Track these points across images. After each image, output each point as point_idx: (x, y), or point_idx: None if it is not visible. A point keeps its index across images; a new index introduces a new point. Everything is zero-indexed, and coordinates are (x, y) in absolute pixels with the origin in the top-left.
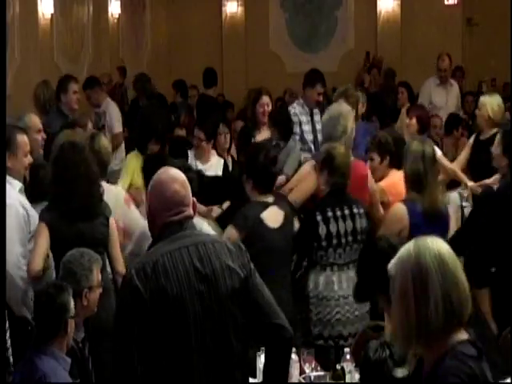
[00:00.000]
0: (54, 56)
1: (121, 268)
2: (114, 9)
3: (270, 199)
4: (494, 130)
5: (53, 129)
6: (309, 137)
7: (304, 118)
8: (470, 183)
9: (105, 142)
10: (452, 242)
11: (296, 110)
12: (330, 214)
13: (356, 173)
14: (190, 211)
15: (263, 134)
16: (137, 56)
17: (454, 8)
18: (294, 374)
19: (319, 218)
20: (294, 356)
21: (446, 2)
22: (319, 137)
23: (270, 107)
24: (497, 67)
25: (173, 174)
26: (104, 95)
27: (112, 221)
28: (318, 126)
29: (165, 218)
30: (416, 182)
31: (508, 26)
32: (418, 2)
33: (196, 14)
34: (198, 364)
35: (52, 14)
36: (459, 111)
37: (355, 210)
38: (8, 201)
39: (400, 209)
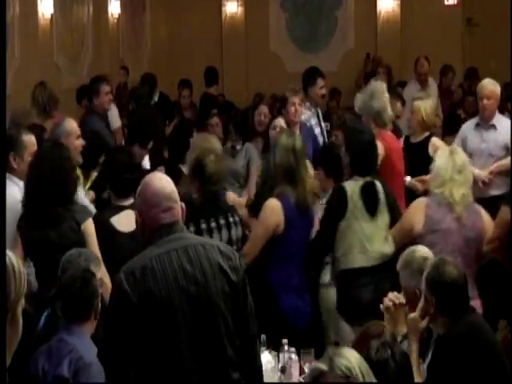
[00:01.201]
0: (54, 56)
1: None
2: (114, 9)
3: (127, 203)
4: (426, 134)
5: (97, 127)
6: (320, 139)
7: (313, 121)
8: (408, 178)
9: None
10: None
11: (305, 115)
12: (203, 225)
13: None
14: (179, 210)
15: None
16: (137, 56)
17: (454, 8)
18: (294, 374)
19: (192, 229)
20: (293, 356)
21: (446, 2)
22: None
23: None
24: (497, 67)
25: (159, 175)
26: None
27: (87, 225)
28: (323, 124)
29: (154, 216)
30: (287, 176)
31: (508, 26)
32: (418, 2)
33: (196, 14)
34: (190, 366)
35: (52, 14)
36: (436, 110)
37: (231, 219)
38: (13, 205)
39: (274, 204)
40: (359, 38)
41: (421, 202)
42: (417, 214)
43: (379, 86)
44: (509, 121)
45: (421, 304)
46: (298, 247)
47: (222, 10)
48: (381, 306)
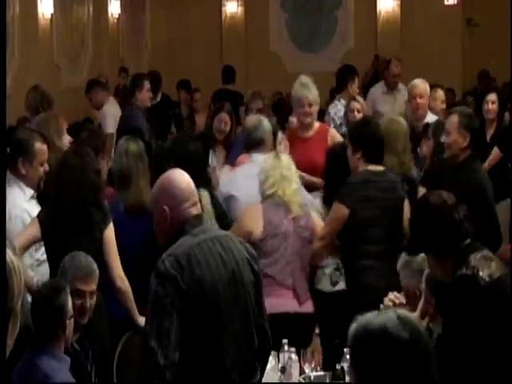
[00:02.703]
0: (54, 56)
1: (118, 280)
2: (114, 9)
3: None
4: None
5: (140, 124)
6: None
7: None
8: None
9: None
10: None
11: (342, 112)
12: None
13: None
14: (200, 206)
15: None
16: (137, 56)
17: (454, 8)
18: (294, 374)
19: None
20: (293, 356)
21: (446, 2)
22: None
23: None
24: (497, 67)
25: (179, 171)
26: (105, 96)
27: (107, 232)
28: None
29: (183, 211)
30: (119, 180)
31: (508, 26)
32: (418, 2)
33: (196, 14)
34: (228, 352)
35: (52, 14)
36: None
37: None
38: (15, 212)
39: None
40: (359, 38)
41: (257, 207)
42: (254, 219)
43: None
44: (434, 117)
45: (421, 304)
46: (129, 251)
47: (222, 10)
48: (381, 305)
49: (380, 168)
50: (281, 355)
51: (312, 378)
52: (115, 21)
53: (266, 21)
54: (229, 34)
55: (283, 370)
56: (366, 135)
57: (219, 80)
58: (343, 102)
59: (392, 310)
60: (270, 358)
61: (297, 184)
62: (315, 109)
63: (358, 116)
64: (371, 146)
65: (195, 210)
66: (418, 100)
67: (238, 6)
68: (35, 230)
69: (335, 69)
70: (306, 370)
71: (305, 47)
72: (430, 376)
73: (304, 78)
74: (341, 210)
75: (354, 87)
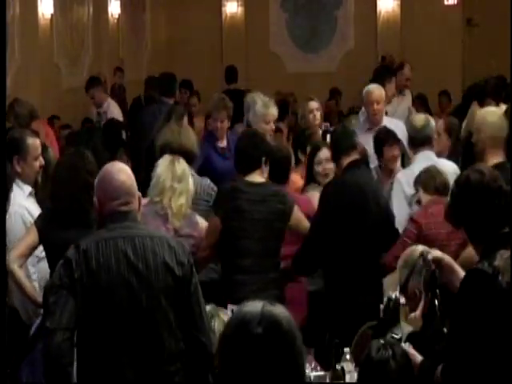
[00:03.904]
0: (54, 56)
1: None
2: (114, 9)
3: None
4: None
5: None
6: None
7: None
8: None
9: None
10: None
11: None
12: None
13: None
14: (136, 203)
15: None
16: (137, 56)
17: (453, 8)
18: None
19: None
20: None
21: (445, 3)
22: None
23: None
24: (497, 67)
25: (119, 166)
26: (105, 95)
27: None
28: None
29: (112, 207)
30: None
31: (508, 26)
32: (418, 2)
33: (196, 14)
34: (123, 354)
35: (52, 14)
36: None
37: None
38: (14, 208)
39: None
40: (359, 38)
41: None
42: None
43: None
44: (397, 121)
45: (421, 304)
46: None
47: (222, 10)
48: (381, 305)
49: (259, 179)
50: None
51: (312, 377)
52: (115, 21)
53: (266, 21)
54: (229, 34)
55: None
56: (243, 147)
57: (219, 80)
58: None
59: (261, 302)
60: None
61: (187, 197)
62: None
63: (318, 115)
64: (244, 158)
65: (125, 208)
66: (375, 106)
67: (238, 6)
68: (33, 237)
69: (335, 69)
70: (306, 370)
71: (305, 47)
72: (284, 372)
73: (264, 97)
74: (213, 221)
75: (390, 87)
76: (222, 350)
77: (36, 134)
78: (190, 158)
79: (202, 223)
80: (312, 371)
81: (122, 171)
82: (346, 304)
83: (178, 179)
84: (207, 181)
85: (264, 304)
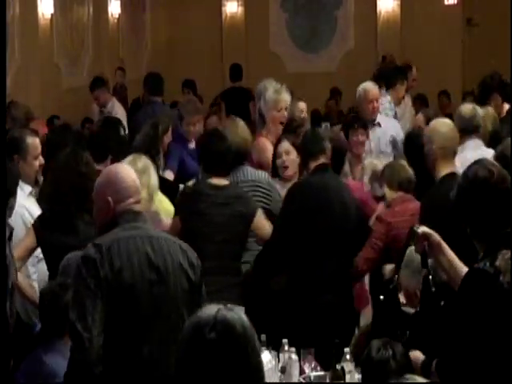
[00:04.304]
0: (54, 56)
1: None
2: (114, 9)
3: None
4: None
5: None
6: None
7: (389, 113)
8: None
9: None
10: None
11: (386, 105)
12: None
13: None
14: (143, 205)
15: None
16: (137, 56)
17: (453, 8)
18: (294, 373)
19: None
20: (294, 356)
21: (445, 2)
22: None
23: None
24: (497, 67)
25: (125, 166)
26: (109, 95)
27: None
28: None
29: (125, 206)
30: None
31: (508, 25)
32: (418, 2)
33: (196, 14)
34: (144, 351)
35: (52, 14)
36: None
37: None
38: (18, 209)
39: None
40: (359, 38)
41: None
42: None
43: None
44: (391, 119)
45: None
46: None
47: (222, 10)
48: (380, 297)
49: (222, 182)
50: (281, 355)
51: (312, 377)
52: (115, 21)
53: (266, 21)
54: (229, 34)
55: (283, 370)
56: (206, 148)
57: (219, 80)
58: (389, 98)
59: (216, 307)
60: (270, 358)
61: (148, 192)
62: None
63: (303, 115)
64: (210, 159)
65: (137, 207)
66: (375, 104)
67: (238, 6)
68: (31, 240)
69: (335, 69)
70: (306, 370)
71: (305, 47)
72: (238, 377)
73: (275, 83)
74: (174, 222)
75: (402, 88)
76: (177, 356)
77: (36, 133)
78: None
79: (167, 221)
80: (312, 371)
81: (130, 171)
82: (310, 304)
83: (139, 174)
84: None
85: (219, 308)
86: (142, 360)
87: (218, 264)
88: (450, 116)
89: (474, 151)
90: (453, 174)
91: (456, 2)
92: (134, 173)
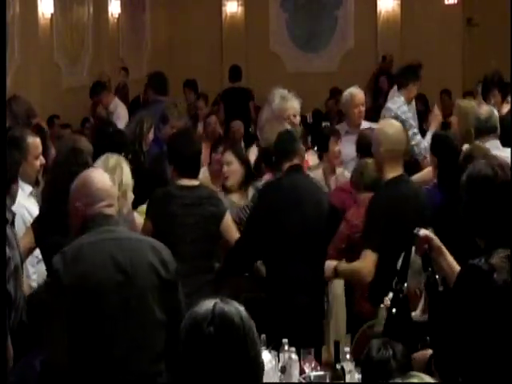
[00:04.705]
0: (54, 56)
1: None
2: (114, 8)
3: None
4: None
5: None
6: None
7: (409, 115)
8: None
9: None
10: None
11: (404, 108)
12: None
13: None
14: (117, 207)
15: None
16: (137, 56)
17: (454, 8)
18: (294, 373)
19: None
20: (294, 356)
21: (445, 2)
22: None
23: None
24: (497, 67)
25: (99, 171)
26: (112, 96)
27: None
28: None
29: (96, 210)
30: None
31: (508, 25)
32: (418, 1)
33: (196, 14)
34: (115, 353)
35: (52, 14)
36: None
37: None
38: (18, 209)
39: None
40: (359, 38)
41: None
42: None
43: None
44: (375, 124)
45: (421, 304)
46: None
47: (222, 10)
48: (381, 305)
49: (193, 183)
50: (281, 355)
51: (312, 377)
52: (115, 20)
53: (266, 21)
54: (229, 34)
55: (283, 370)
56: (177, 149)
57: (219, 80)
58: (402, 99)
59: (212, 301)
60: (270, 358)
61: (121, 190)
62: (297, 120)
63: (295, 120)
64: (181, 160)
65: (108, 211)
66: (362, 108)
67: (238, 5)
68: (30, 240)
69: (335, 69)
70: (306, 370)
71: (305, 47)
72: (238, 371)
73: (282, 91)
74: (146, 224)
75: (414, 89)
76: (177, 352)
77: (41, 130)
78: None
79: (139, 222)
80: (312, 371)
81: (102, 175)
82: (284, 304)
83: (110, 171)
84: None
85: (215, 302)
86: (113, 360)
87: (192, 264)
88: (450, 115)
89: (493, 151)
90: (400, 177)
91: (456, 1)
92: (107, 177)
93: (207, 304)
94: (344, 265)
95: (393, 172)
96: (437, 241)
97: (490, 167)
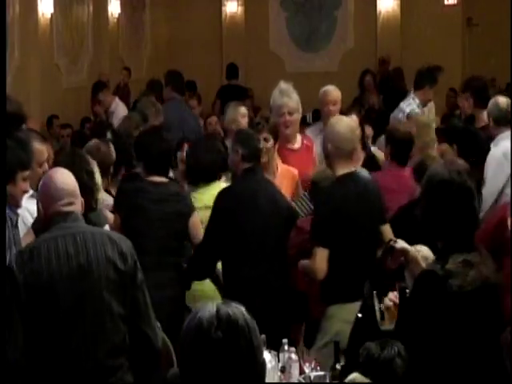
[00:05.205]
0: (54, 56)
1: None
2: (114, 8)
3: None
4: None
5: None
6: None
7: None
8: None
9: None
10: None
11: (417, 110)
12: None
13: None
14: (79, 205)
15: None
16: (137, 55)
17: (453, 8)
18: (294, 373)
19: None
20: (293, 356)
21: (445, 2)
22: None
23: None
24: (496, 67)
25: (62, 170)
26: (112, 96)
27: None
28: None
29: (55, 208)
30: None
31: (508, 25)
32: (417, 1)
33: (196, 14)
34: (71, 345)
35: (52, 14)
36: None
37: None
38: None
39: None
40: (359, 38)
41: None
42: None
43: None
44: None
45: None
46: None
47: (222, 10)
48: (381, 305)
49: (161, 179)
50: (281, 355)
51: (312, 377)
52: (115, 20)
53: (266, 21)
54: (229, 34)
55: (283, 370)
56: (145, 146)
57: (219, 79)
58: (417, 100)
59: (214, 304)
60: (270, 358)
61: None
62: (296, 117)
63: (244, 122)
64: (149, 158)
65: (68, 208)
66: (331, 107)
67: (237, 5)
68: (31, 240)
69: (335, 68)
70: (306, 370)
71: (305, 47)
72: (247, 374)
73: (284, 85)
74: (115, 218)
75: (430, 92)
76: (184, 358)
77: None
78: None
79: (111, 218)
80: (312, 371)
81: (64, 174)
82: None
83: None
84: None
85: (218, 306)
86: (70, 352)
87: (158, 259)
88: (453, 114)
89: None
90: (349, 174)
91: (456, 1)
92: (68, 176)
93: (209, 307)
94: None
95: (342, 169)
96: (413, 252)
97: (447, 171)
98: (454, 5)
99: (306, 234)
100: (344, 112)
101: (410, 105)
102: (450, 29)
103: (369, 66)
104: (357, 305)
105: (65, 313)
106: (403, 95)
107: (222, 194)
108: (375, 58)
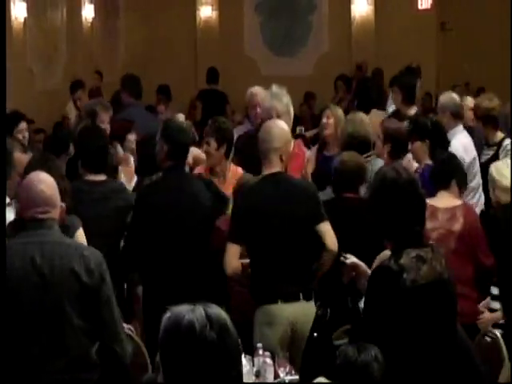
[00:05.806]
0: (28, 59)
1: None
2: (88, 12)
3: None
4: None
5: None
6: None
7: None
8: None
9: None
10: None
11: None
12: None
13: None
14: (55, 213)
15: None
16: (111, 59)
17: (427, 12)
18: (269, 377)
19: None
20: (268, 360)
21: (419, 7)
22: None
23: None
24: (470, 71)
25: (42, 175)
26: (87, 98)
27: (77, 237)
28: None
29: (30, 214)
30: None
31: (482, 29)
32: (391, 6)
33: (170, 18)
34: (33, 351)
35: (25, 18)
36: None
37: None
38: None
39: None
40: (334, 42)
41: None
42: None
43: None
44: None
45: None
46: None
47: (196, 14)
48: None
49: (99, 178)
50: (255, 359)
51: (286, 381)
52: (89, 24)
53: (241, 25)
54: (203, 38)
55: (258, 374)
56: (82, 143)
57: (194, 84)
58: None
59: (198, 306)
60: (245, 362)
61: None
62: (285, 120)
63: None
64: (86, 155)
65: (42, 216)
66: (258, 109)
67: (212, 10)
68: None
69: (310, 73)
70: (281, 374)
71: (279, 51)
72: (234, 375)
73: (276, 88)
74: None
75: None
76: (171, 361)
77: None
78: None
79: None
80: (286, 375)
81: (43, 181)
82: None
83: None
84: None
85: (203, 307)
86: (31, 358)
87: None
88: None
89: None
90: (270, 175)
91: (430, 6)
92: (48, 182)
93: (192, 309)
94: None
95: (268, 169)
96: (363, 266)
97: (393, 171)
98: (427, 9)
99: (223, 233)
100: (317, 116)
101: (391, 104)
102: (424, 33)
103: (344, 69)
104: (281, 306)
105: (27, 318)
106: (379, 97)
107: (142, 192)
108: (350, 61)
